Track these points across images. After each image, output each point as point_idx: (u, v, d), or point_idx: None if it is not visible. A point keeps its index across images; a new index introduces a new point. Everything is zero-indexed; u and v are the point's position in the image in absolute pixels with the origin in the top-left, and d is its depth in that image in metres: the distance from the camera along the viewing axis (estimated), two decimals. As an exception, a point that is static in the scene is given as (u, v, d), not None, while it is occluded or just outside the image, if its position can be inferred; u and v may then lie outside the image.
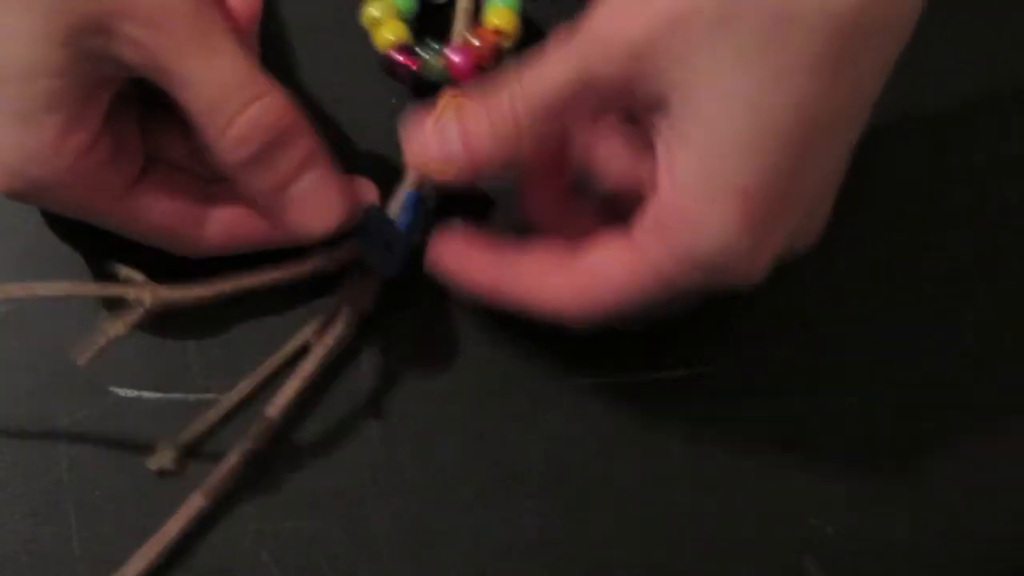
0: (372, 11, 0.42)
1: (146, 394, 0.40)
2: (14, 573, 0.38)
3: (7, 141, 0.35)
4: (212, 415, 0.39)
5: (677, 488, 0.40)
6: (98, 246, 0.41)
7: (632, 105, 0.35)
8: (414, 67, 0.41)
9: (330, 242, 0.38)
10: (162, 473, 0.39)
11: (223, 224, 0.38)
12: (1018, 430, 0.41)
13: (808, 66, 0.32)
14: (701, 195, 0.34)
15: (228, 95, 0.35)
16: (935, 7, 0.35)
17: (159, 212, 0.37)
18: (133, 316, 0.35)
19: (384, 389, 0.40)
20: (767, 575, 0.39)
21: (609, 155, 0.39)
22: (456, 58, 0.40)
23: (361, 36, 0.44)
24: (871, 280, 0.42)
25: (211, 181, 0.39)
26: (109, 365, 0.40)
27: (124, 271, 0.35)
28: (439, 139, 0.37)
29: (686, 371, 0.41)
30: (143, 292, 0.35)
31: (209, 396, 0.40)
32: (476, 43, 0.41)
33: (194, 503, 0.38)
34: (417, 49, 0.42)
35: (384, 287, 0.40)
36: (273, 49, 0.44)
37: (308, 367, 0.39)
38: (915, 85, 0.42)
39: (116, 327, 0.34)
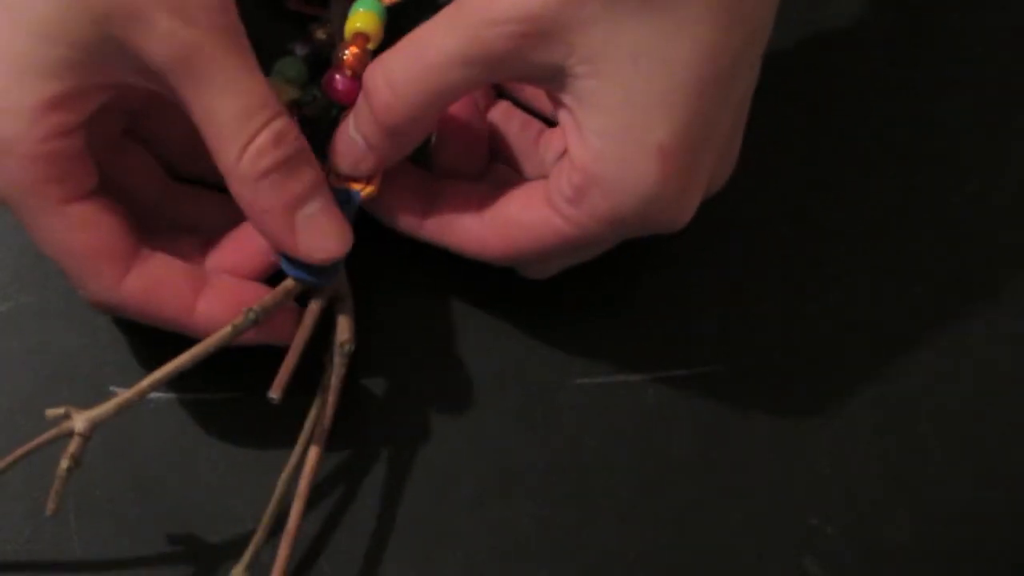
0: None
1: (146, 394, 0.40)
2: (14, 573, 0.38)
3: None
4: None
5: (677, 488, 0.40)
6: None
7: (528, 75, 0.35)
8: (308, 115, 0.41)
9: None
10: None
11: (144, 277, 0.36)
12: (1019, 430, 0.41)
13: (707, 15, 0.33)
14: (618, 157, 0.34)
15: (254, 105, 0.34)
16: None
17: (91, 236, 0.35)
18: (74, 447, 0.35)
19: (384, 389, 0.40)
20: (767, 575, 0.39)
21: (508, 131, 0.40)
22: (339, 86, 0.40)
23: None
24: (872, 281, 0.42)
25: (173, 224, 0.39)
26: (109, 364, 0.40)
27: (50, 412, 0.35)
28: (347, 147, 0.37)
29: (686, 371, 0.41)
30: (75, 422, 0.35)
31: (206, 396, 0.40)
32: (345, 55, 0.40)
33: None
34: (306, 99, 0.41)
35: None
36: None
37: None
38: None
39: (64, 464, 0.34)
